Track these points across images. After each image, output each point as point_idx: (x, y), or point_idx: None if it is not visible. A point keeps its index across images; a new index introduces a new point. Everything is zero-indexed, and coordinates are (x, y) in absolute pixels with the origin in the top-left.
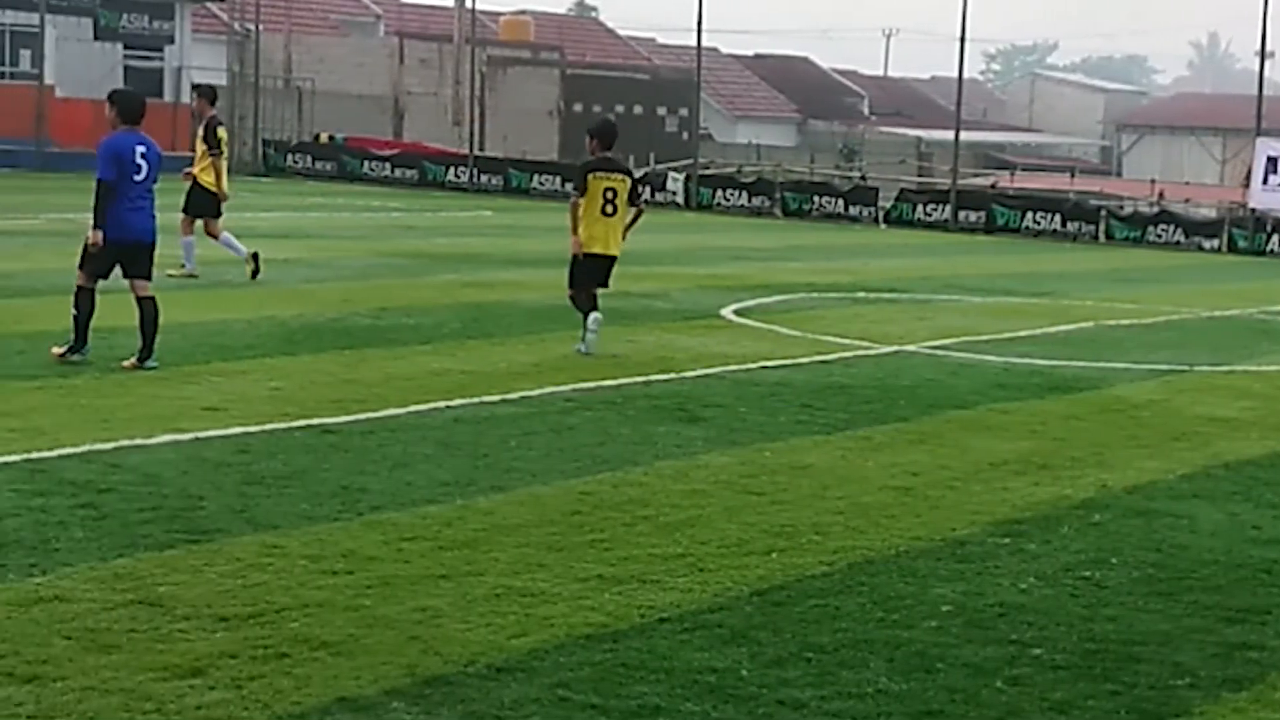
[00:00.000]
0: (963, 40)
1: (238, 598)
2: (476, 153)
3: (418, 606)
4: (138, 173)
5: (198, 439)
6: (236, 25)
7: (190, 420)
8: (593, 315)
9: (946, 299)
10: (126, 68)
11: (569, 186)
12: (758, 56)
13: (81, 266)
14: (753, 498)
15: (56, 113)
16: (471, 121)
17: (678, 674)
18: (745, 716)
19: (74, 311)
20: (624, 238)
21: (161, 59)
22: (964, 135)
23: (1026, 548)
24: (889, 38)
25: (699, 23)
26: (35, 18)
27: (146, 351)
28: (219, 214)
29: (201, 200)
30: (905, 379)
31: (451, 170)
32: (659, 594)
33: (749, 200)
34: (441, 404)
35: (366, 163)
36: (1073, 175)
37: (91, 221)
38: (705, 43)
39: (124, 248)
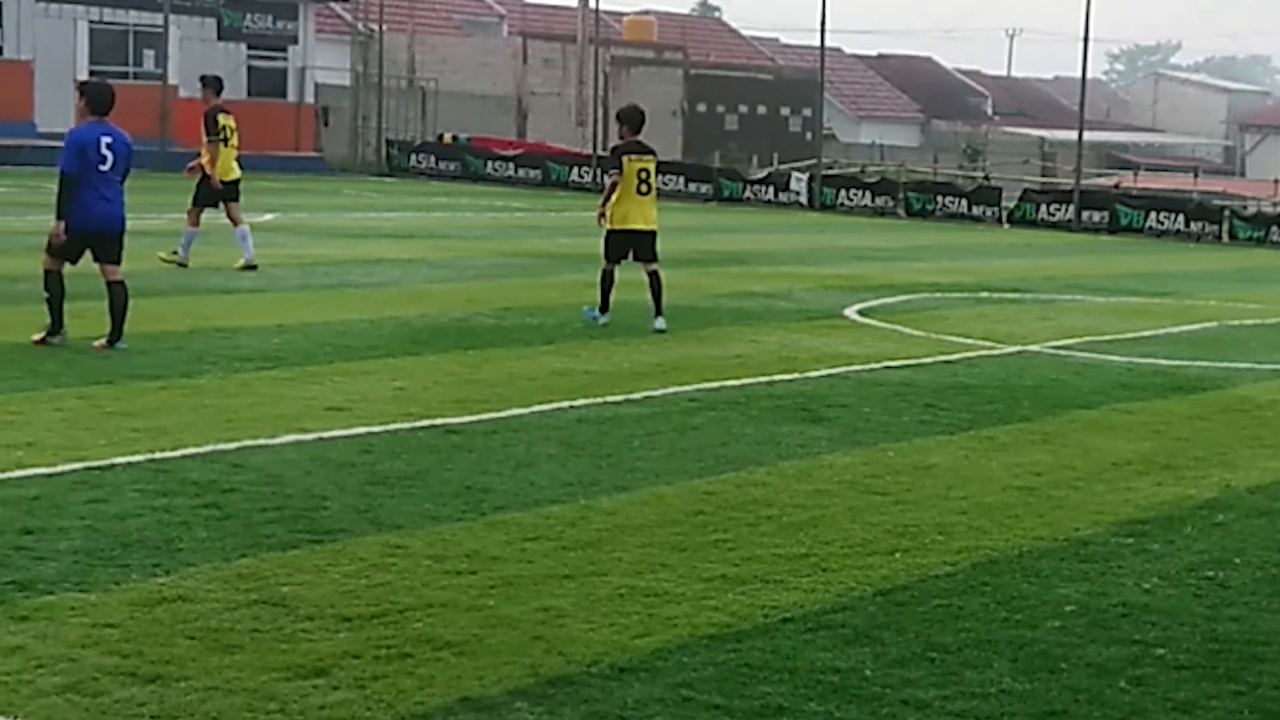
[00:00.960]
0: (1086, 40)
1: (361, 598)
2: (600, 153)
3: (541, 607)
4: (103, 163)
5: (321, 439)
6: (360, 25)
7: (314, 420)
8: (659, 321)
9: (1070, 299)
10: (250, 68)
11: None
12: (881, 57)
13: (47, 251)
14: (876, 498)
15: (180, 113)
16: (595, 122)
17: (801, 674)
18: (869, 717)
19: (45, 295)
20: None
21: (285, 59)
22: (1087, 135)
23: (1150, 548)
24: (1012, 38)
25: (822, 23)
26: (159, 18)
27: (116, 334)
28: (236, 198)
29: (207, 190)
30: (1028, 379)
31: (575, 170)
32: (782, 594)
33: (872, 200)
34: (565, 404)
35: (490, 163)
36: (1196, 175)
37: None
38: (828, 43)
39: (89, 235)
